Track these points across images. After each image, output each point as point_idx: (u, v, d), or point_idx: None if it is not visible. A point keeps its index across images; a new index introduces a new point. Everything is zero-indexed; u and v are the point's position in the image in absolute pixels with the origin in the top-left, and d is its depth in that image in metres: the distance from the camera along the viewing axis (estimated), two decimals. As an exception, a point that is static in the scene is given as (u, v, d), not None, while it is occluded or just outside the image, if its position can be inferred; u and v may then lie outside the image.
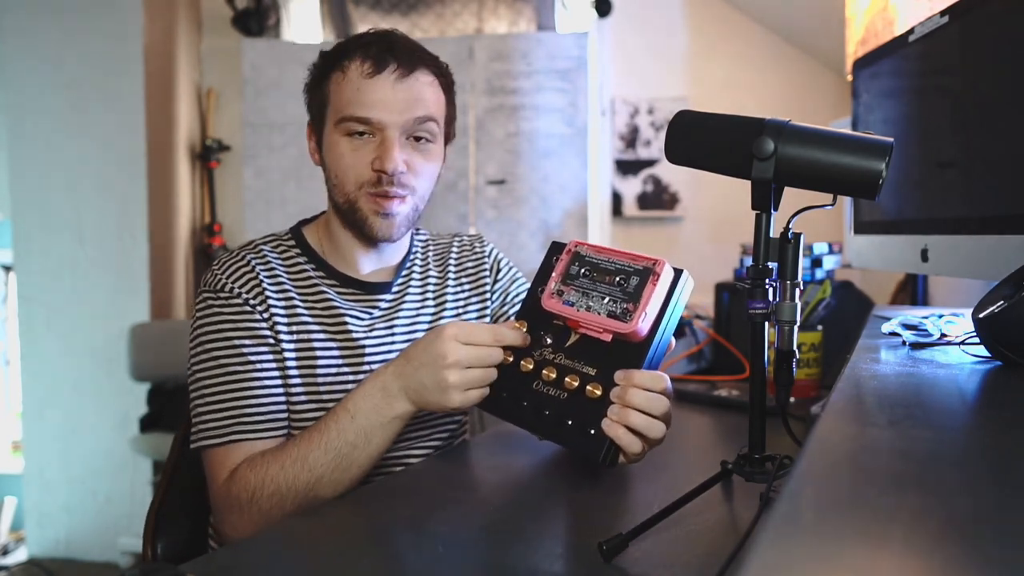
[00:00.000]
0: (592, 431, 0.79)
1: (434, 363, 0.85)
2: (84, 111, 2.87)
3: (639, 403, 0.77)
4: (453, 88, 1.06)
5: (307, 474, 0.88)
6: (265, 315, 0.98)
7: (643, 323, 0.79)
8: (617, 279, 0.81)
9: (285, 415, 0.97)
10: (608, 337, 0.81)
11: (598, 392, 0.80)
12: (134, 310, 2.86)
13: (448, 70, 1.05)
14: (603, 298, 0.81)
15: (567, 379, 0.82)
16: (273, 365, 0.97)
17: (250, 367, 0.95)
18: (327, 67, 1.01)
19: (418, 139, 1.00)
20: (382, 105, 0.97)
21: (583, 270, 0.84)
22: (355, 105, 0.97)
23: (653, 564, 0.67)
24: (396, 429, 0.91)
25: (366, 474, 0.92)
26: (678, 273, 0.82)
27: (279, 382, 0.97)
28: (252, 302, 0.98)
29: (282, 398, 0.97)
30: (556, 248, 0.90)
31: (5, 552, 3.08)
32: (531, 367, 0.85)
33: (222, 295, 0.98)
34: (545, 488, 0.93)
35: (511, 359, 0.87)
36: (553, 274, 0.85)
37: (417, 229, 1.17)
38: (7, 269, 3.43)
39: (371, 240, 1.03)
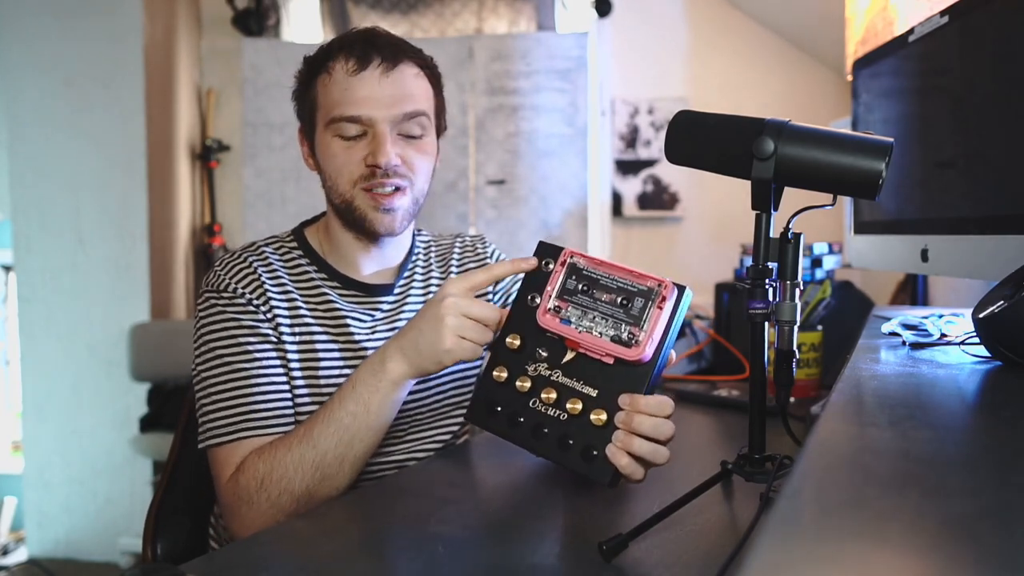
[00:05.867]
0: (596, 452, 0.77)
1: (432, 308, 0.86)
2: (84, 111, 2.87)
3: (646, 430, 0.75)
4: (440, 80, 1.06)
5: (312, 451, 0.88)
6: (268, 315, 0.98)
7: (649, 348, 0.76)
8: (619, 299, 0.77)
9: (292, 412, 0.97)
10: (610, 360, 0.78)
11: (603, 417, 0.77)
12: (134, 310, 2.86)
13: (433, 62, 1.05)
14: (605, 319, 0.78)
15: (569, 404, 0.79)
16: (278, 362, 0.97)
17: (256, 364, 0.95)
18: (313, 71, 1.01)
19: (410, 136, 1.00)
20: (370, 101, 0.97)
21: (581, 285, 0.80)
22: (343, 104, 0.97)
23: (653, 564, 0.67)
24: (393, 398, 0.90)
25: (370, 453, 0.92)
26: (681, 290, 0.78)
27: (284, 379, 0.98)
28: (256, 302, 0.98)
29: (288, 395, 0.97)
30: (545, 250, 0.85)
31: (5, 552, 3.08)
32: (528, 385, 0.81)
33: (225, 295, 0.98)
34: (545, 488, 0.93)
35: (505, 375, 0.83)
36: (548, 288, 0.81)
37: (419, 230, 1.17)
38: (7, 269, 3.43)
39: (373, 236, 1.03)
